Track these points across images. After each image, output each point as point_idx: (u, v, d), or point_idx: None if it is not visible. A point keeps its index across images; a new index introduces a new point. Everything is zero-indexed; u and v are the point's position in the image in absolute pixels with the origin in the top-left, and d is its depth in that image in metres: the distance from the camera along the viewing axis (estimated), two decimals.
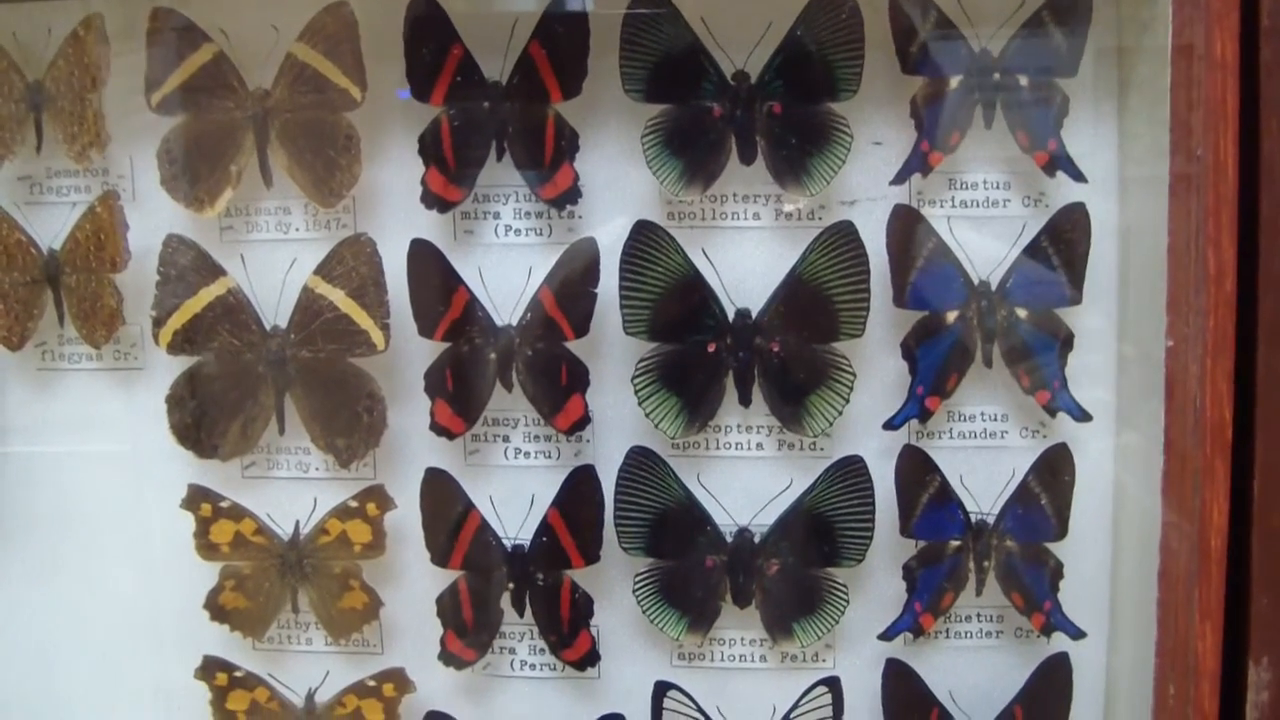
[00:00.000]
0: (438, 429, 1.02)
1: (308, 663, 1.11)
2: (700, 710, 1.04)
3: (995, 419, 1.04)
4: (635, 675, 1.08)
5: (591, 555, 1.03)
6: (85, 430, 1.11)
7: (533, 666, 1.09)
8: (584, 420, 1.01)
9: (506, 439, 1.06)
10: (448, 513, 1.04)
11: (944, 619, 1.06)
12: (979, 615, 1.06)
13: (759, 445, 1.05)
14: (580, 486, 1.02)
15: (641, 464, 1.02)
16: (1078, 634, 1.03)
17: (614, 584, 1.07)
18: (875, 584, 1.06)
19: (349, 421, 1.04)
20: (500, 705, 1.10)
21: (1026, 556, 1.03)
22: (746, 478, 1.05)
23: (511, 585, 1.04)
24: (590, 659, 1.05)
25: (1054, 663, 1.04)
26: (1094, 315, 1.02)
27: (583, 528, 1.03)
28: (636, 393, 1.01)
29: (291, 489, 1.09)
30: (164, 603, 1.10)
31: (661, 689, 1.04)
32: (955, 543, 1.03)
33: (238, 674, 1.08)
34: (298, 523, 1.07)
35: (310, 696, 1.09)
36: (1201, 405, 0.94)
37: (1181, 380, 0.96)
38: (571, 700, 1.09)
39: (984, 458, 1.04)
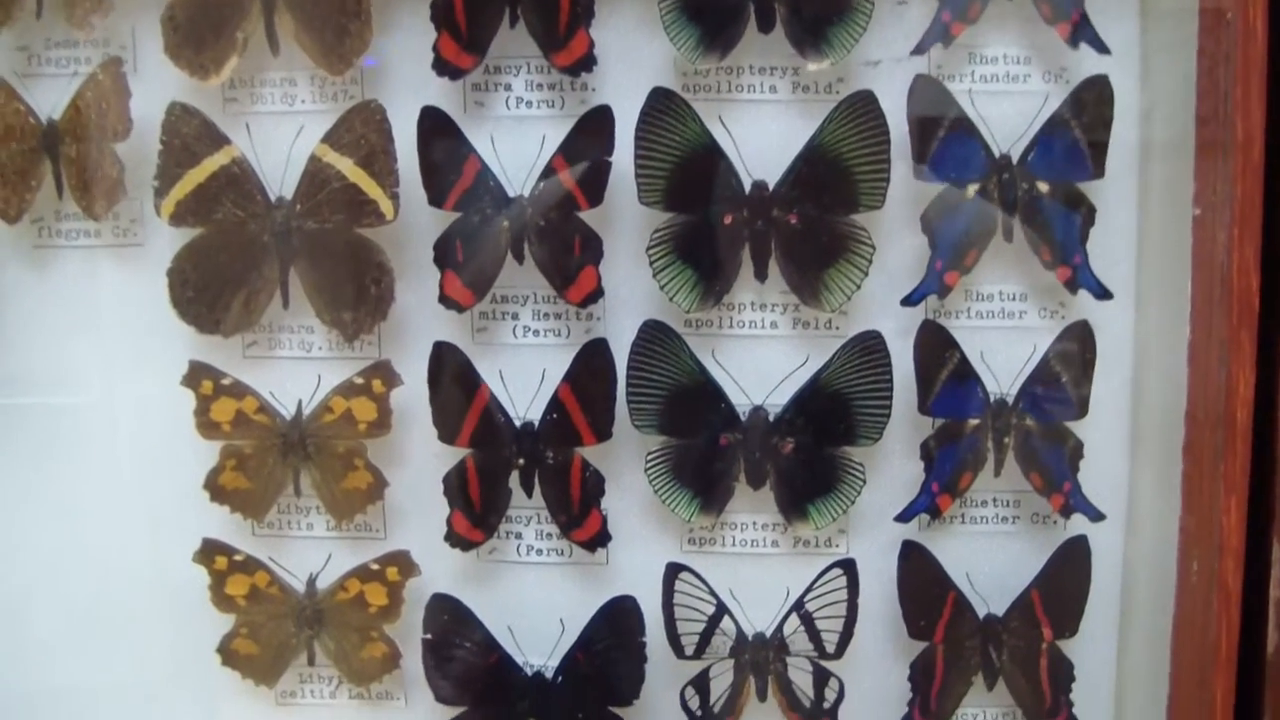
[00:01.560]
0: (446, 301, 1.00)
1: (308, 548, 1.08)
2: (712, 593, 1.02)
3: (1014, 298, 1.03)
4: (644, 561, 1.05)
5: (603, 432, 1.01)
6: (83, 308, 1.08)
7: (539, 552, 1.06)
8: (597, 293, 0.99)
9: (515, 316, 1.04)
10: (456, 388, 1.01)
11: (960, 504, 1.04)
12: (995, 500, 1.04)
13: (774, 324, 1.03)
14: (593, 360, 1.00)
15: (655, 338, 1.00)
16: (1097, 516, 1.02)
17: (623, 469, 1.05)
18: (891, 468, 1.04)
19: (356, 294, 1.01)
20: (506, 591, 1.07)
21: (1046, 436, 1.01)
22: (761, 356, 1.03)
23: (521, 463, 1.01)
24: (600, 539, 1.03)
25: (1072, 546, 1.02)
26: (1116, 190, 0.99)
27: (594, 403, 1.01)
28: (652, 264, 0.99)
29: (294, 369, 1.06)
30: (163, 486, 1.08)
31: (673, 570, 1.02)
32: (974, 421, 1.01)
33: (237, 558, 1.06)
34: (300, 401, 1.04)
35: (311, 581, 1.06)
36: (1228, 274, 0.93)
37: (1208, 250, 0.94)
38: (579, 586, 1.06)
39: (1003, 338, 1.03)
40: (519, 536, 1.06)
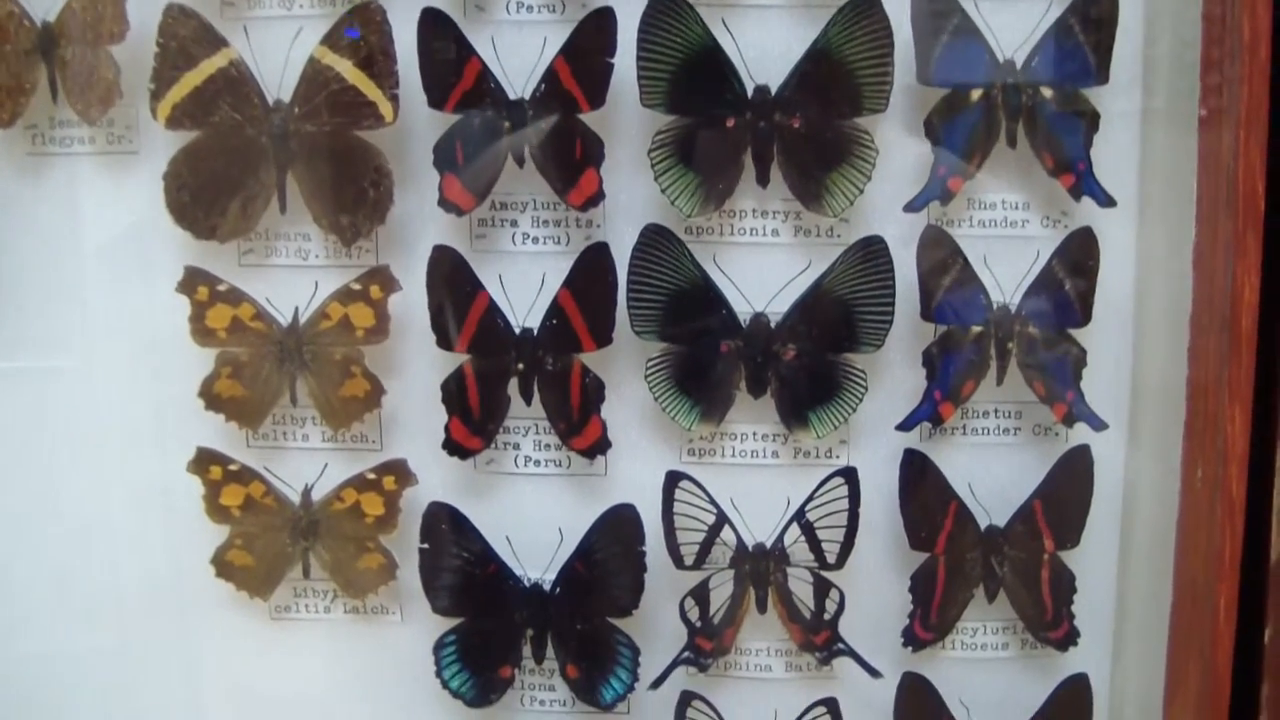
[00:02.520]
0: (446, 205, 0.99)
1: (304, 459, 1.07)
2: (713, 502, 1.01)
3: (1017, 207, 1.02)
4: (643, 473, 1.04)
5: (603, 337, 1.00)
6: (77, 216, 1.06)
7: (537, 463, 1.05)
8: (598, 196, 0.99)
9: (514, 224, 1.03)
10: (454, 292, 1.00)
11: (962, 415, 1.03)
12: (997, 411, 1.04)
13: (775, 231, 1.02)
14: (593, 264, 0.99)
15: (656, 242, 0.99)
16: (1100, 425, 1.01)
17: (622, 380, 1.04)
18: (892, 379, 1.04)
19: (354, 198, 1.01)
20: (503, 503, 1.06)
21: (1049, 344, 1.01)
22: (762, 264, 1.03)
23: (520, 368, 1.00)
24: (600, 446, 1.02)
25: (1074, 456, 1.01)
26: (1120, 96, 0.99)
27: (595, 308, 1.00)
28: (653, 166, 0.98)
29: (291, 277, 1.05)
30: (158, 394, 1.06)
31: (673, 479, 1.01)
32: (977, 329, 1.00)
33: (232, 467, 1.04)
34: (297, 308, 1.02)
35: (307, 492, 1.05)
36: (1234, 178, 0.92)
37: (1214, 151, 0.94)
38: (577, 497, 1.05)
39: (1005, 246, 1.02)
40: (517, 447, 1.05)
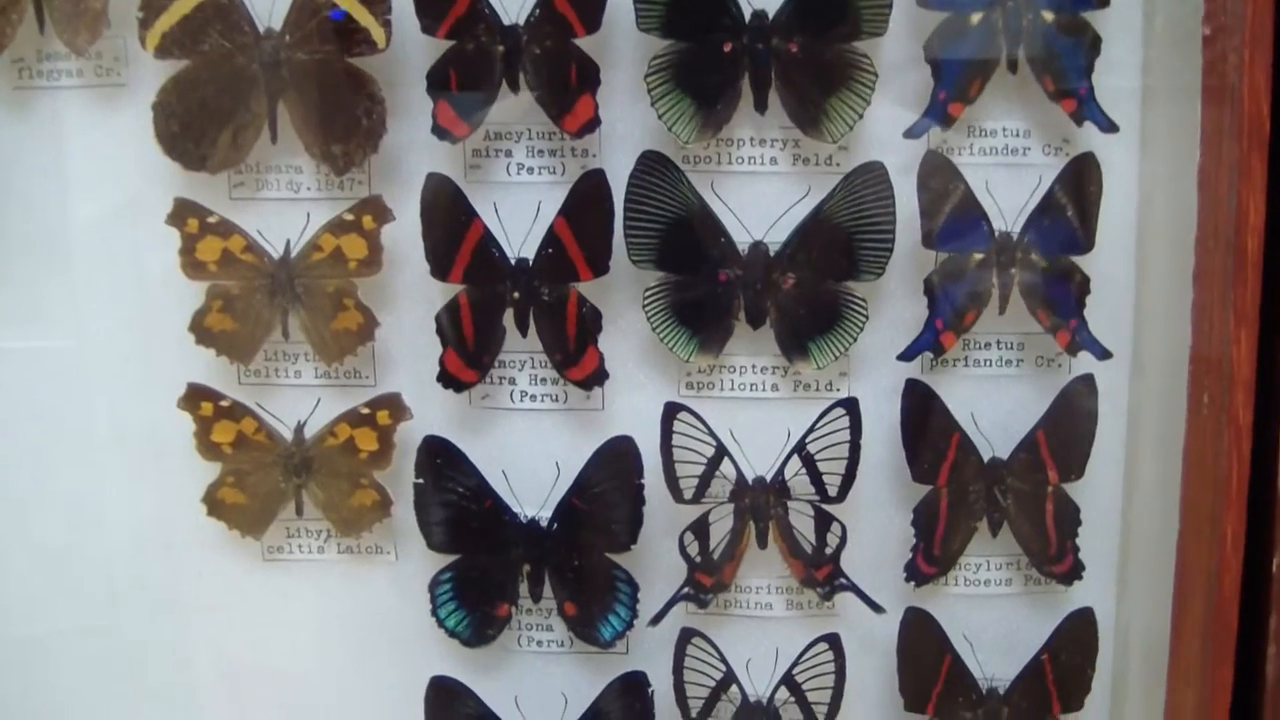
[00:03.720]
0: (439, 132, 0.98)
1: (296, 396, 1.06)
2: (712, 434, 0.99)
3: (1018, 134, 1.01)
4: (640, 406, 1.03)
5: (600, 266, 0.99)
6: (65, 151, 1.05)
7: (533, 398, 1.04)
8: (594, 122, 0.97)
9: (509, 154, 1.02)
10: (449, 221, 0.99)
11: (963, 346, 1.02)
12: (999, 342, 1.02)
13: (773, 160, 1.01)
14: (590, 192, 0.98)
15: (654, 169, 0.98)
16: (1103, 354, 1.00)
17: (619, 314, 1.02)
18: (892, 310, 1.03)
19: (346, 126, 0.99)
20: (499, 438, 1.05)
21: (1052, 271, 0.99)
22: (760, 193, 1.01)
23: (516, 297, 0.98)
24: (598, 377, 1.00)
25: (1078, 386, 1.00)
26: (1121, 18, 0.98)
27: (591, 236, 0.98)
28: (650, 92, 0.97)
29: (282, 210, 1.04)
30: (148, 330, 1.04)
31: (672, 410, 1.00)
32: (978, 256, 0.99)
33: (223, 403, 1.03)
34: (288, 241, 1.01)
35: (300, 428, 1.04)
36: (1239, 98, 0.90)
37: (1218, 71, 0.92)
38: (573, 432, 1.04)
39: (1007, 174, 1.01)
40: (512, 382, 1.03)
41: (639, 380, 1.03)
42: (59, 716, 1.12)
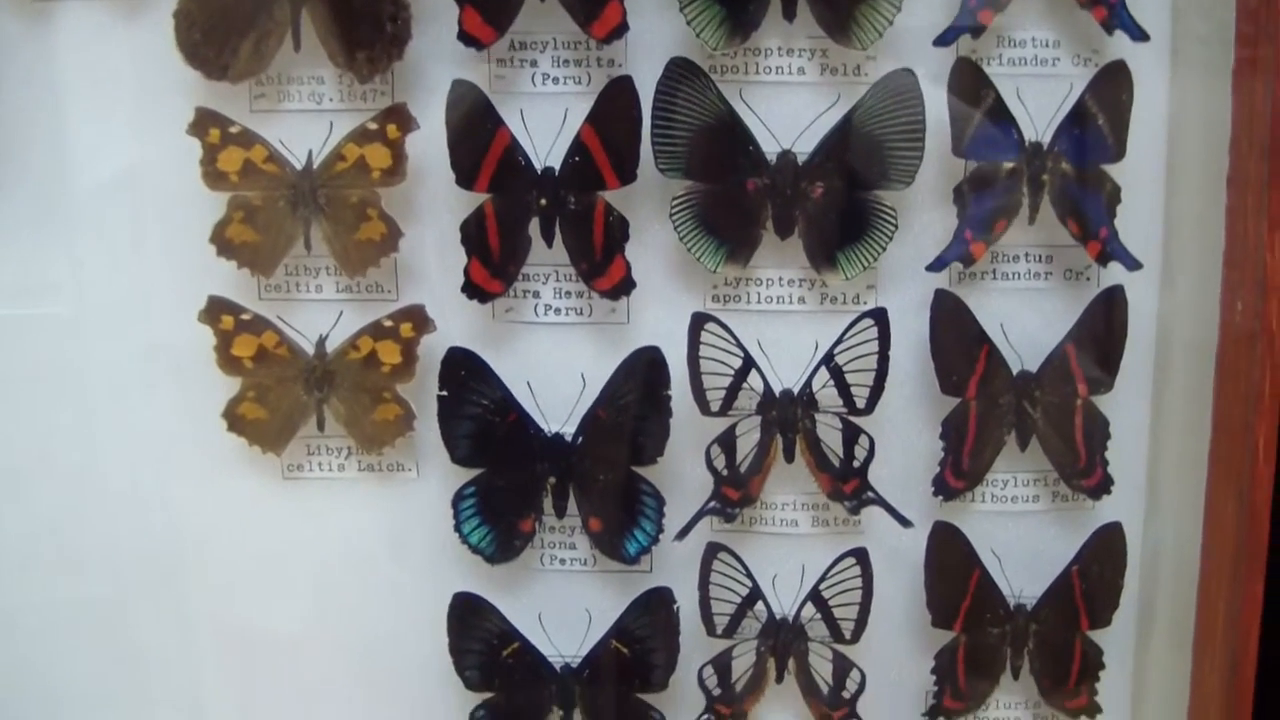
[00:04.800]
0: (465, 38, 0.97)
1: (317, 311, 1.04)
2: (739, 345, 0.98)
3: (1047, 45, 1.00)
4: (666, 319, 1.02)
5: (627, 174, 0.97)
6: (84, 63, 1.03)
7: (558, 311, 1.03)
8: (622, 27, 0.96)
9: (534, 64, 1.01)
10: (475, 128, 0.97)
11: (992, 259, 1.01)
12: (1028, 255, 1.01)
13: (801, 70, 1.00)
14: (617, 99, 0.97)
15: (682, 76, 0.97)
16: (1134, 264, 0.99)
17: (644, 225, 1.01)
18: (921, 221, 1.02)
19: (371, 32, 0.98)
20: (523, 353, 1.04)
21: (1083, 180, 0.98)
22: (788, 102, 1.00)
23: (543, 204, 0.97)
24: (624, 286, 0.99)
25: (1108, 297, 0.99)
26: None
27: (619, 144, 0.98)
28: None
29: (304, 122, 1.02)
30: (167, 243, 1.02)
31: (699, 320, 0.99)
32: (1009, 165, 0.98)
33: (244, 317, 1.02)
34: (310, 151, 1.00)
35: (321, 341, 1.02)
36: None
37: None
38: (598, 346, 1.03)
39: (1037, 84, 1.00)
40: (537, 295, 1.02)
41: (665, 294, 1.02)
42: (83, 632, 1.11)
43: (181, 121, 1.00)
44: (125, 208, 1.05)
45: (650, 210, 1.00)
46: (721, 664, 1.03)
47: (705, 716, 1.05)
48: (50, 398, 1.07)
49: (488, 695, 1.05)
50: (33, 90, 1.04)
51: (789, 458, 1.01)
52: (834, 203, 0.98)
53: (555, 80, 1.00)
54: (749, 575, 1.02)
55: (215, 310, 1.02)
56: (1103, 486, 1.01)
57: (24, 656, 1.11)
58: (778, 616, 1.03)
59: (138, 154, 1.05)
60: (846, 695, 1.03)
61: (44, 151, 1.05)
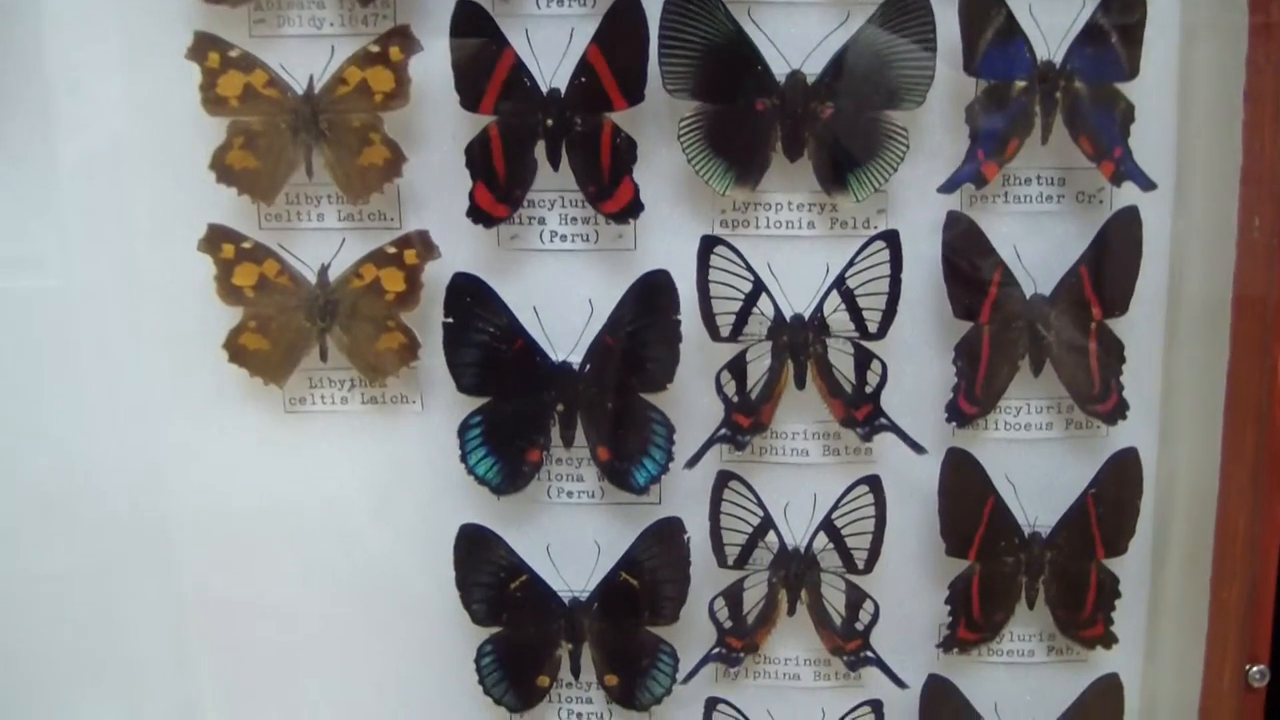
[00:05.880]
0: None
1: (319, 240, 1.03)
2: (750, 269, 0.97)
3: None
4: (673, 245, 1.01)
5: (635, 94, 0.96)
6: None
7: (564, 238, 1.01)
8: None
9: None
10: (479, 48, 0.96)
11: (1004, 182, 0.99)
12: (1039, 178, 1.00)
13: None
14: (623, 17, 0.95)
15: None
16: (1148, 184, 0.97)
17: (651, 149, 1.00)
18: (931, 143, 1.00)
19: None
20: (528, 279, 1.02)
21: (1096, 98, 0.97)
22: (796, 22, 0.99)
23: (549, 125, 0.95)
24: (633, 209, 0.97)
25: (1121, 218, 0.98)
26: None
27: (625, 64, 0.96)
28: None
29: (304, 47, 1.00)
30: (165, 170, 1.00)
31: (708, 244, 0.97)
32: (1021, 84, 0.96)
33: (245, 245, 1.00)
34: (311, 76, 0.98)
35: (324, 270, 1.01)
36: None
37: None
38: (605, 272, 1.02)
39: (1048, 3, 0.99)
40: (542, 222, 1.00)
41: (671, 221, 1.00)
42: (79, 594, 1.10)
43: (179, 47, 0.97)
44: (123, 128, 1.01)
45: (657, 134, 0.99)
46: (733, 596, 1.02)
47: (717, 649, 1.02)
48: (44, 334, 1.05)
49: (496, 629, 1.02)
50: (22, 16, 1.00)
51: (800, 384, 0.99)
52: (844, 123, 0.97)
53: (560, 1, 0.98)
54: (760, 504, 1.00)
55: (215, 238, 1.00)
56: (1118, 411, 1.00)
57: (19, 624, 1.10)
58: (789, 547, 1.01)
59: (134, 81, 1.01)
60: (860, 627, 1.02)
61: (34, 76, 1.02)
